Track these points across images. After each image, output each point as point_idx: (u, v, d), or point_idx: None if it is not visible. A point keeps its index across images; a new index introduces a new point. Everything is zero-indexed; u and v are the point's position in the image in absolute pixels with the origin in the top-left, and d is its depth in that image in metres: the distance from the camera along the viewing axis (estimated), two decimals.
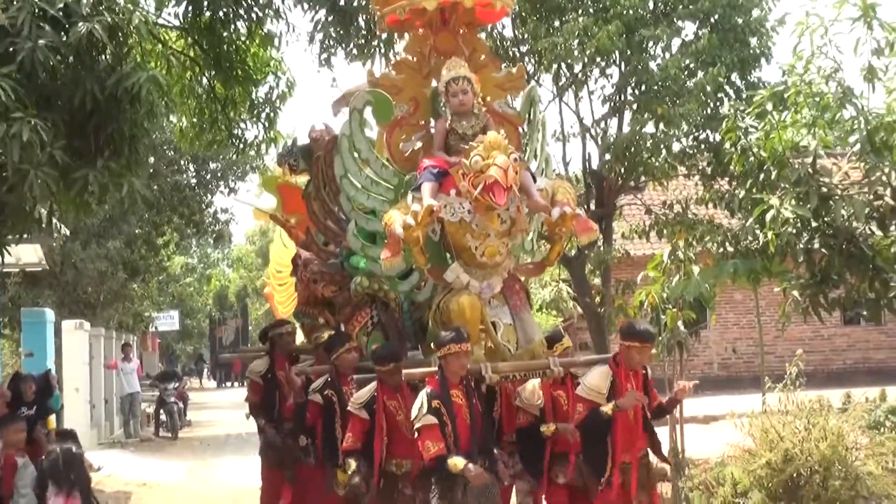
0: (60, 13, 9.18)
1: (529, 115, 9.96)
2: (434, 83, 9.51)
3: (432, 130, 9.41)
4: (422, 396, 8.28)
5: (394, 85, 9.52)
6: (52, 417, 19.00)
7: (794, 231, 11.88)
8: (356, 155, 9.32)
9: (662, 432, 9.52)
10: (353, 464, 9.03)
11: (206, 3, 13.07)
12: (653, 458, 9.20)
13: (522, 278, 9.43)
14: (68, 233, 19.38)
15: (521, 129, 9.84)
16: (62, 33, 9.23)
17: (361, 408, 9.04)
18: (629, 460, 8.69)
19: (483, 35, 10.22)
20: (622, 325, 9.27)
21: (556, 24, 17.08)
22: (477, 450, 8.21)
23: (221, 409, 35.31)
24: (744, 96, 15.50)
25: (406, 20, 9.60)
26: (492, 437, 8.49)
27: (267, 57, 14.56)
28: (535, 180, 8.95)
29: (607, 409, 8.43)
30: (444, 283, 8.78)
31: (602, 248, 18.45)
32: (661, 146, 17.14)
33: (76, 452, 10.77)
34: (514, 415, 9.15)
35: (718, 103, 16.97)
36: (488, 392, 8.95)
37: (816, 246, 12.26)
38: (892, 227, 12.06)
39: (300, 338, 12.54)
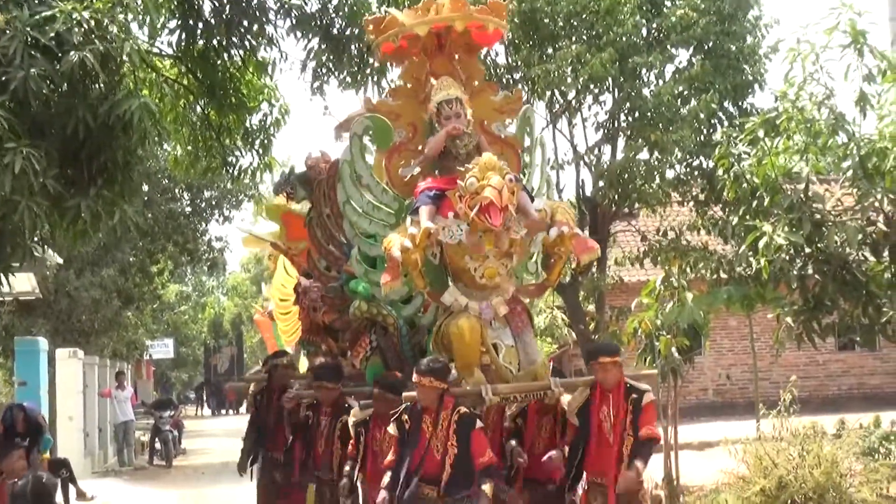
0: (52, 42, 9.17)
1: (527, 136, 9.97)
2: None
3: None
4: (402, 408, 8.43)
5: (391, 111, 9.55)
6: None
7: (788, 257, 11.89)
8: (357, 180, 9.35)
9: (657, 459, 9.47)
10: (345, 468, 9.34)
11: (199, 32, 13.11)
12: (648, 485, 9.11)
13: (525, 300, 9.39)
14: (61, 261, 19.33)
15: (519, 152, 9.86)
16: (54, 62, 9.21)
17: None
18: (604, 482, 8.60)
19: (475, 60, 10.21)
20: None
21: (550, 51, 17.14)
22: (442, 481, 8.20)
23: (216, 436, 35.20)
24: (737, 123, 15.54)
25: (401, 48, 9.61)
26: (463, 475, 8.34)
27: (260, 85, 14.57)
28: (532, 201, 8.95)
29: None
30: (445, 306, 8.77)
31: (596, 275, 18.45)
32: (655, 173, 17.18)
33: (46, 482, 10.65)
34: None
35: (712, 130, 17.01)
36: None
37: (810, 272, 12.28)
38: (885, 253, 12.08)
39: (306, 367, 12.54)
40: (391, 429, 8.42)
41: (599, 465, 8.57)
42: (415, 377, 8.27)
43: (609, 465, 8.53)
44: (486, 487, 8.05)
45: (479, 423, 8.27)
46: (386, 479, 8.34)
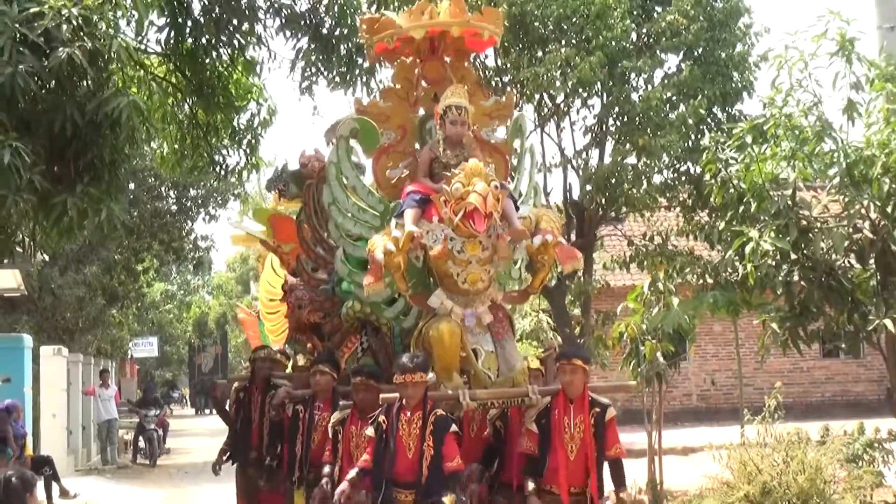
0: (41, 39, 9.12)
1: (517, 143, 9.97)
2: (422, 111, 9.57)
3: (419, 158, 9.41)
4: (378, 410, 8.38)
5: (381, 113, 9.55)
6: (30, 443, 18.94)
7: (774, 263, 11.90)
8: (343, 182, 9.34)
9: (641, 464, 9.45)
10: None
11: (188, 30, 13.07)
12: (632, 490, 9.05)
13: (508, 306, 9.37)
14: (46, 258, 19.27)
15: (508, 158, 9.85)
16: (42, 59, 9.17)
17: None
18: (555, 491, 8.53)
19: (467, 64, 10.22)
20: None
21: (539, 54, 17.15)
22: (422, 482, 8.15)
23: (200, 436, 35.10)
24: (724, 129, 15.57)
25: (395, 49, 9.61)
26: (438, 479, 8.28)
27: (249, 84, 14.54)
28: (517, 208, 8.94)
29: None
30: (428, 309, 8.75)
31: (582, 279, 18.46)
32: (642, 177, 17.20)
33: (15, 483, 10.55)
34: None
35: (699, 135, 17.04)
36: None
37: (795, 278, 12.30)
38: (871, 261, 12.09)
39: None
40: (369, 431, 8.35)
41: (554, 474, 8.50)
42: (401, 377, 8.16)
43: (563, 475, 8.45)
44: (447, 500, 7.93)
45: (453, 427, 8.23)
46: (352, 472, 8.25)
